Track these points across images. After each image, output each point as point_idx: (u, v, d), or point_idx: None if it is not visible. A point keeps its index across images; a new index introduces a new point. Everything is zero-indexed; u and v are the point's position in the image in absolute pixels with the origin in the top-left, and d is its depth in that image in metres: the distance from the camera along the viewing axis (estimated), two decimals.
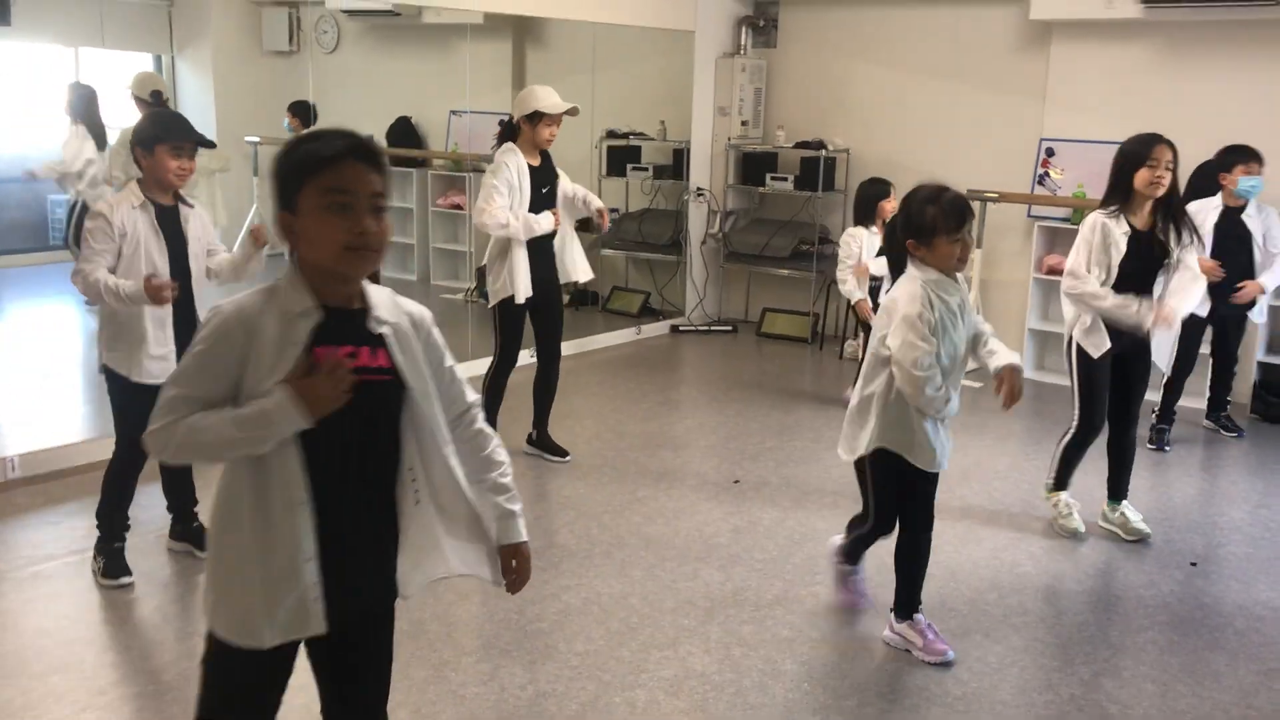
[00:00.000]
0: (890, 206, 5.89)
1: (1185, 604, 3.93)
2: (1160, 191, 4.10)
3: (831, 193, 7.90)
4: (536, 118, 4.85)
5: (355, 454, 1.96)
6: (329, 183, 1.85)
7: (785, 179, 8.05)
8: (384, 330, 1.96)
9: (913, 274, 3.27)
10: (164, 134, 3.63)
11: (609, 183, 8.56)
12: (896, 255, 3.35)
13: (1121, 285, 4.17)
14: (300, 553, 1.91)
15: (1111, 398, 4.35)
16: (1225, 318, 5.73)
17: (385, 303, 2.00)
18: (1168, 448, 5.69)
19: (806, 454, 5.37)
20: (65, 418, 5.60)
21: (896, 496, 3.45)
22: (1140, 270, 4.17)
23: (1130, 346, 4.29)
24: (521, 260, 4.88)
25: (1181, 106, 6.70)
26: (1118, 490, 4.53)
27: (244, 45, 7.72)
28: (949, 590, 3.98)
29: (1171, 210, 4.16)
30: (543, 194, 4.95)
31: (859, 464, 3.48)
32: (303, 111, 7.41)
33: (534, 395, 5.27)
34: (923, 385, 3.20)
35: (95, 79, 6.69)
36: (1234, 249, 5.57)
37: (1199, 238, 4.29)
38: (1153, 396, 5.76)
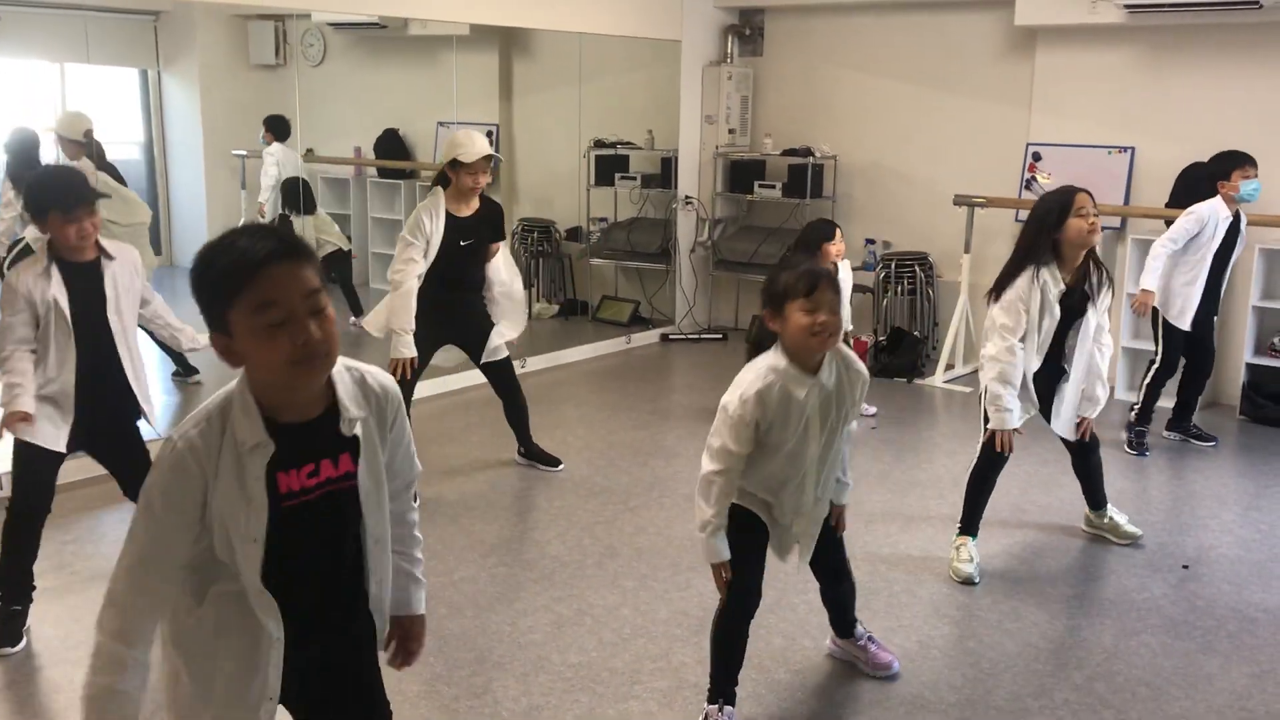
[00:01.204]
0: (835, 250, 5.80)
1: (1178, 607, 3.93)
2: (1097, 239, 3.98)
3: (819, 199, 7.92)
4: (456, 165, 4.66)
5: (324, 565, 1.91)
6: (257, 298, 1.66)
7: (773, 186, 8.06)
8: (357, 431, 1.86)
9: (759, 362, 2.88)
10: (51, 201, 3.38)
11: (597, 192, 8.57)
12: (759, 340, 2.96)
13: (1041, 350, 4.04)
14: (264, 690, 1.88)
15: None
16: (1197, 317, 5.62)
17: (353, 393, 1.87)
18: (1147, 453, 5.64)
19: None
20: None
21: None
22: (1059, 332, 4.06)
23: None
24: (405, 317, 4.65)
25: (1165, 110, 6.74)
26: (1096, 500, 4.51)
27: (230, 59, 7.70)
28: (941, 596, 3.97)
29: (1094, 258, 4.04)
30: (460, 247, 4.74)
31: None
32: (277, 126, 7.39)
33: (508, 421, 5.22)
34: (702, 491, 2.90)
35: (81, 95, 6.69)
36: (1225, 255, 5.59)
37: (1112, 284, 4.14)
38: (1128, 397, 5.80)
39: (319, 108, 7.74)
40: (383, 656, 2.13)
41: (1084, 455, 4.40)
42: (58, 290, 3.41)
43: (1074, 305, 4.04)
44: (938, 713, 3.21)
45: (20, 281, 3.38)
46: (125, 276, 3.56)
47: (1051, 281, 3.95)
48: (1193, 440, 5.86)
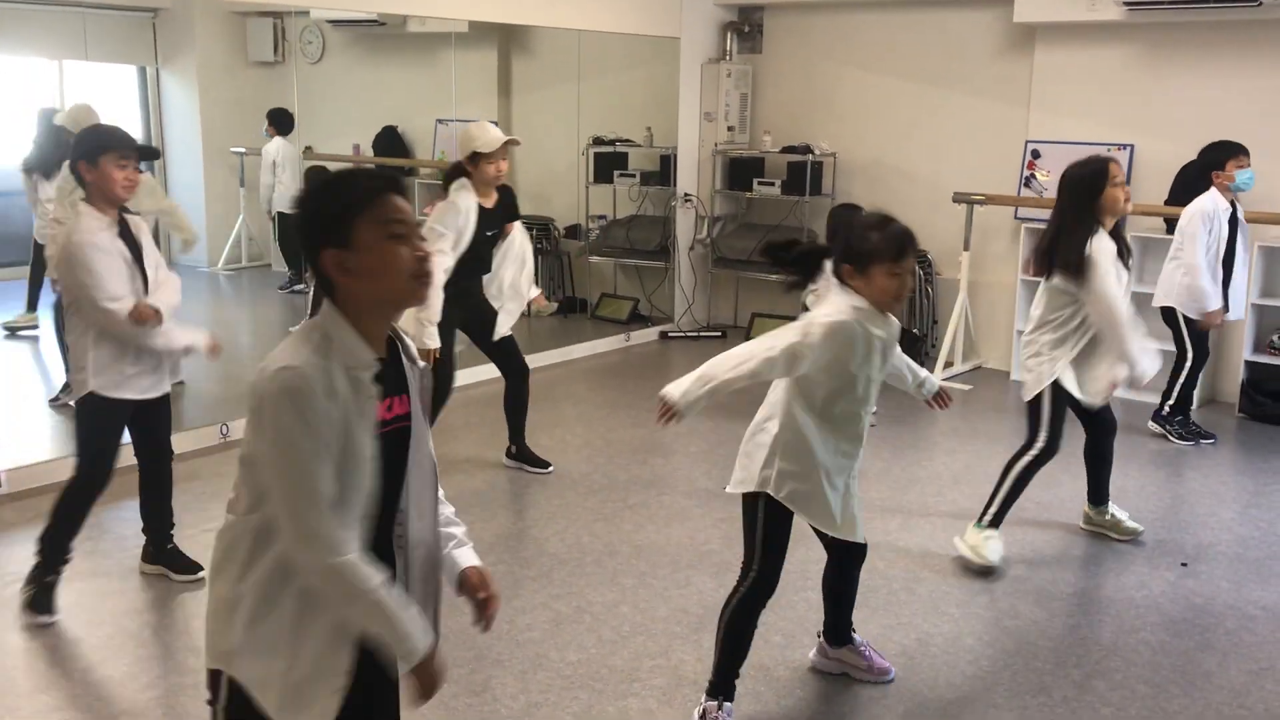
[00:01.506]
0: None
1: (1176, 604, 3.94)
2: (1130, 207, 4.00)
3: (819, 197, 7.91)
4: (477, 158, 4.68)
5: (377, 506, 1.92)
6: (385, 214, 1.85)
7: (772, 184, 8.05)
8: (419, 371, 1.97)
9: (840, 296, 2.93)
10: (108, 143, 3.52)
11: (596, 189, 8.56)
12: (804, 278, 3.00)
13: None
14: (343, 639, 1.89)
15: (1082, 408, 4.24)
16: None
17: (403, 336, 1.99)
18: (1208, 438, 5.71)
19: None
20: (53, 433, 5.58)
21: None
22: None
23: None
24: (437, 308, 4.64)
25: (1164, 107, 6.74)
26: (1099, 494, 4.51)
27: (229, 56, 7.70)
28: (940, 594, 3.98)
29: (1121, 231, 4.08)
30: (486, 237, 4.80)
31: (747, 500, 3.08)
32: (280, 120, 7.38)
33: (505, 411, 5.20)
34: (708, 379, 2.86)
35: (79, 92, 6.69)
36: (1234, 249, 5.60)
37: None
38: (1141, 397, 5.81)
39: (318, 105, 7.75)
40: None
41: (1100, 435, 4.38)
42: (118, 244, 3.56)
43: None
44: (936, 710, 3.22)
45: (100, 239, 3.49)
46: (144, 233, 3.71)
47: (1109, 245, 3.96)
48: (1176, 439, 5.82)
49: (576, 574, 4.08)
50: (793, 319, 6.09)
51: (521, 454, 5.23)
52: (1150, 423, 5.88)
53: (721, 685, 3.09)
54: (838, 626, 3.38)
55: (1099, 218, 3.98)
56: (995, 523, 4.17)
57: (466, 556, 2.12)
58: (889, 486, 5.09)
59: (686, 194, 8.31)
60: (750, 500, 3.04)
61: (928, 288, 7.58)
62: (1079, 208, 3.99)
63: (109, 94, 7.41)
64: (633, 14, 7.67)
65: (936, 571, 4.16)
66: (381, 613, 1.84)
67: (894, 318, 2.99)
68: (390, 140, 8.41)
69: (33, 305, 6.66)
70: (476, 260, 4.82)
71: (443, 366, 4.80)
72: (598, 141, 8.44)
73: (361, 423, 1.84)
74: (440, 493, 2.10)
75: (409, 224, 1.88)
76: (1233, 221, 5.58)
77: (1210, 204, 5.50)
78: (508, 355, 5.11)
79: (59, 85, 6.74)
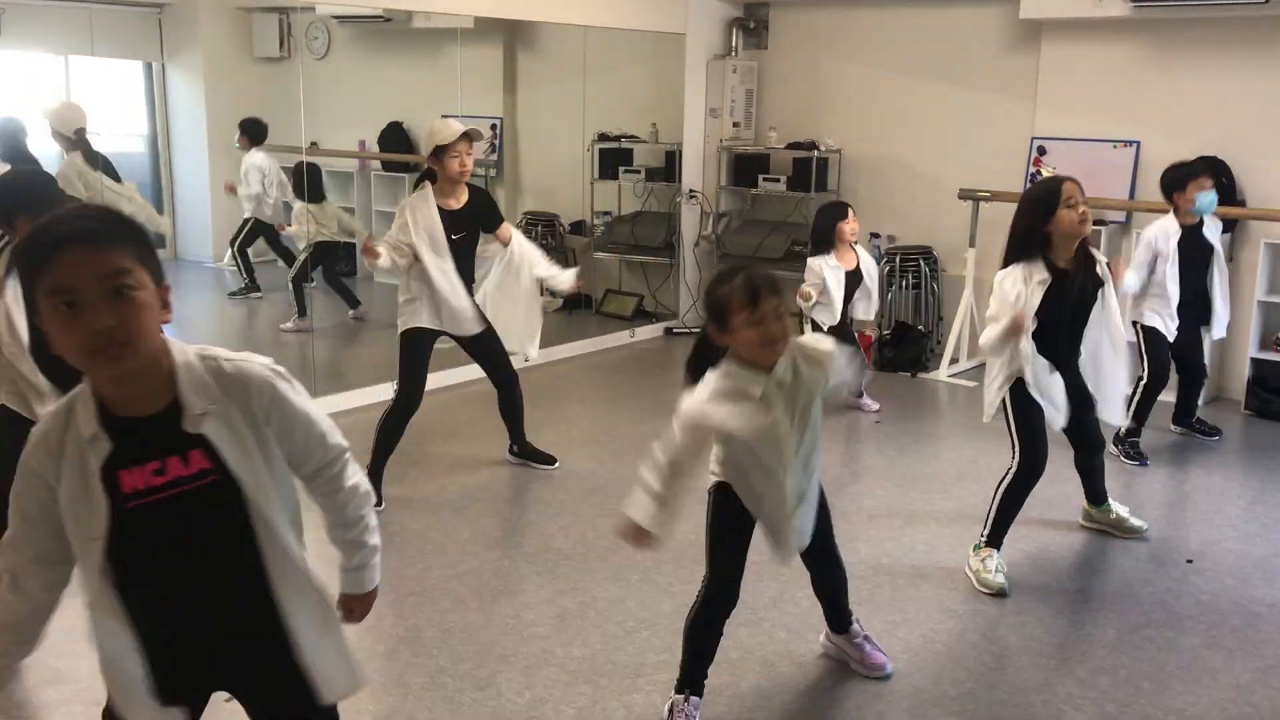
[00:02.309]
0: (850, 229, 5.85)
1: (1182, 601, 3.93)
2: (1088, 229, 3.89)
3: (824, 193, 7.89)
4: (440, 152, 4.54)
5: (188, 567, 1.80)
6: (50, 283, 1.59)
7: (777, 180, 8.05)
8: (204, 430, 1.73)
9: (709, 378, 2.82)
10: (20, 205, 3.20)
11: (601, 185, 8.56)
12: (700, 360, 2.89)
13: (1043, 339, 3.95)
14: (140, 689, 1.83)
15: (1071, 426, 4.16)
16: (1179, 335, 5.48)
17: (200, 384, 1.73)
18: (1148, 462, 5.41)
19: None
20: None
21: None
22: (1075, 324, 4.00)
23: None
24: (435, 294, 4.62)
25: (1170, 104, 6.72)
26: (1098, 496, 4.48)
27: (234, 52, 7.71)
28: (944, 591, 3.97)
29: (1085, 247, 3.99)
30: (451, 240, 4.64)
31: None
32: (253, 130, 7.33)
33: (501, 416, 5.15)
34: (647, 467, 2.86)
35: (85, 88, 6.69)
36: (1199, 267, 5.47)
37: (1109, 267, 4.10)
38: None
39: (323, 101, 7.74)
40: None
41: (1088, 454, 4.36)
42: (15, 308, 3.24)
43: (1077, 296, 3.96)
44: (940, 706, 3.22)
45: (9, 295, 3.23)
46: None
47: (1035, 273, 3.89)
48: (1197, 435, 5.84)
49: (581, 569, 4.08)
50: (797, 315, 6.04)
51: (525, 451, 5.22)
52: (1172, 425, 5.84)
53: (689, 679, 3.10)
54: (835, 618, 3.43)
55: (1051, 241, 3.88)
56: (991, 541, 4.07)
57: (355, 583, 2.10)
58: (893, 483, 5.08)
59: (691, 190, 8.30)
60: (708, 498, 3.04)
61: (933, 284, 7.57)
62: (1024, 230, 3.93)
63: (115, 89, 7.42)
64: (638, 10, 7.66)
65: (941, 568, 4.16)
66: None
67: (798, 351, 2.82)
68: (396, 136, 8.41)
69: None
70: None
71: (408, 382, 4.68)
72: (603, 137, 8.44)
73: (83, 495, 1.71)
74: (353, 509, 2.05)
75: (80, 289, 1.58)
76: (1195, 241, 5.42)
77: (1155, 231, 5.39)
78: (496, 365, 4.99)
79: (65, 81, 6.75)
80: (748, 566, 4.04)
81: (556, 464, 5.19)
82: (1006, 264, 3.99)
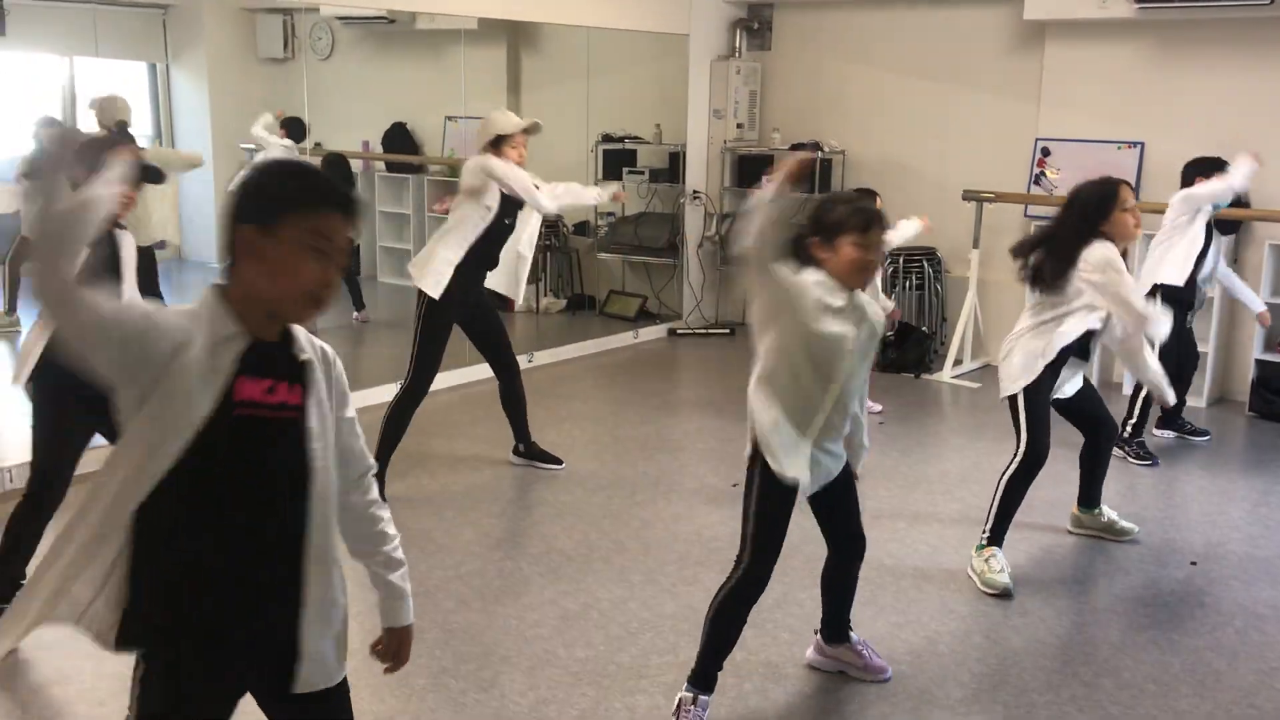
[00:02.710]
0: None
1: (1186, 603, 3.93)
2: (1140, 233, 3.89)
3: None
4: (500, 142, 4.70)
5: (260, 496, 1.84)
6: (318, 225, 1.80)
7: None
8: (307, 359, 1.88)
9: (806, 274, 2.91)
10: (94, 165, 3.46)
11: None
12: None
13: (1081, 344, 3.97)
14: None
15: (1079, 411, 4.21)
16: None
17: (304, 337, 1.92)
18: (1158, 461, 5.43)
19: None
20: None
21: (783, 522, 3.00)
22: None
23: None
24: (452, 262, 4.66)
25: (1175, 105, 6.72)
26: (1092, 496, 4.45)
27: (239, 53, 7.71)
28: (948, 592, 3.97)
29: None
30: (504, 225, 4.78)
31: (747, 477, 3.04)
32: (294, 128, 7.35)
33: (504, 410, 5.14)
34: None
35: (90, 89, 6.69)
36: (1203, 262, 5.46)
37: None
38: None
39: (327, 102, 7.75)
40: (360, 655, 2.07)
41: (1102, 438, 4.31)
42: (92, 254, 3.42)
43: None
44: (944, 708, 3.21)
45: None
46: (130, 254, 3.59)
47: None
48: (1188, 436, 5.82)
49: (584, 571, 4.08)
50: None
51: (530, 452, 5.20)
52: (1157, 430, 5.75)
53: (703, 675, 3.07)
54: (836, 623, 3.37)
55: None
56: (994, 540, 4.05)
57: (396, 614, 2.09)
58: (897, 485, 5.08)
59: (695, 191, 8.30)
60: (748, 474, 3.01)
61: (937, 285, 7.57)
62: (1078, 226, 3.89)
63: (119, 90, 7.43)
64: (642, 11, 7.67)
65: (945, 569, 4.15)
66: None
67: (867, 301, 2.95)
68: (400, 137, 8.42)
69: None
70: (489, 249, 4.77)
71: (425, 368, 4.71)
72: (607, 138, 8.44)
73: (204, 387, 1.74)
74: (387, 528, 2.05)
75: (334, 251, 1.82)
76: (1208, 234, 5.43)
77: (1199, 191, 5.38)
78: (498, 350, 5.02)
79: (69, 81, 6.76)
80: None
81: (563, 465, 5.17)
82: (1061, 256, 3.87)
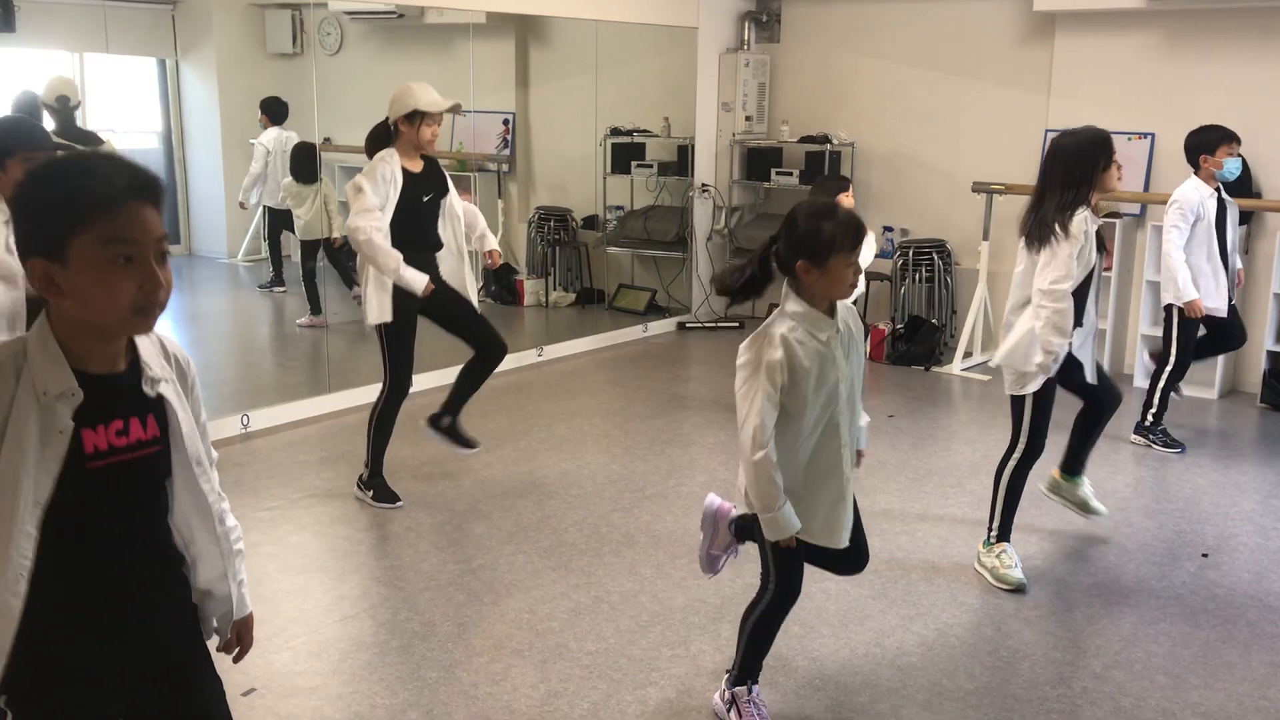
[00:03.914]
0: (848, 203, 5.76)
1: (1197, 595, 3.92)
2: (1120, 184, 3.88)
3: None
4: (415, 117, 4.40)
5: (129, 538, 1.75)
6: (111, 231, 1.56)
7: (790, 174, 8.04)
8: (161, 391, 1.73)
9: (782, 313, 2.81)
10: (13, 145, 3.25)
11: (613, 180, 8.56)
12: (757, 278, 2.84)
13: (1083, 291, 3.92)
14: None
15: (1079, 382, 4.11)
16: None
17: (153, 353, 1.75)
18: (1184, 448, 5.43)
19: None
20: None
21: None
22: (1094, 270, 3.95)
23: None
24: (385, 280, 4.38)
25: (1186, 96, 6.68)
26: (1077, 464, 4.36)
27: (247, 48, 7.73)
28: (959, 584, 3.97)
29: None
30: (423, 203, 4.49)
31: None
32: (274, 109, 7.32)
33: (460, 375, 4.78)
34: (761, 471, 2.75)
35: (100, 85, 6.71)
36: (1222, 229, 5.37)
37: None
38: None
39: (336, 96, 7.75)
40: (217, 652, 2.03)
41: (1105, 407, 4.23)
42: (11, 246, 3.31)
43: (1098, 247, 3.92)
44: (955, 701, 3.21)
45: None
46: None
47: (1092, 220, 3.85)
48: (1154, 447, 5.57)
49: (595, 564, 4.09)
50: None
51: (450, 428, 4.83)
52: (1132, 435, 5.60)
53: (749, 673, 3.07)
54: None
55: (1090, 193, 3.82)
56: (1002, 535, 4.03)
57: (239, 603, 1.97)
58: (907, 478, 5.08)
59: (704, 184, 8.30)
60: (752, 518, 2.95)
61: (947, 278, 7.55)
62: (1078, 177, 3.81)
63: (129, 86, 7.45)
64: (650, 4, 7.66)
65: (955, 562, 4.15)
66: None
67: (841, 305, 2.87)
68: None
69: None
70: (417, 230, 4.52)
71: (400, 366, 4.56)
72: (615, 132, 8.43)
73: (37, 458, 1.60)
74: (227, 519, 1.92)
75: (144, 244, 1.58)
76: (1221, 207, 5.34)
77: (1192, 192, 5.28)
78: (472, 329, 4.73)
79: (79, 78, 6.78)
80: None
81: (478, 448, 4.91)
82: (1068, 212, 3.79)
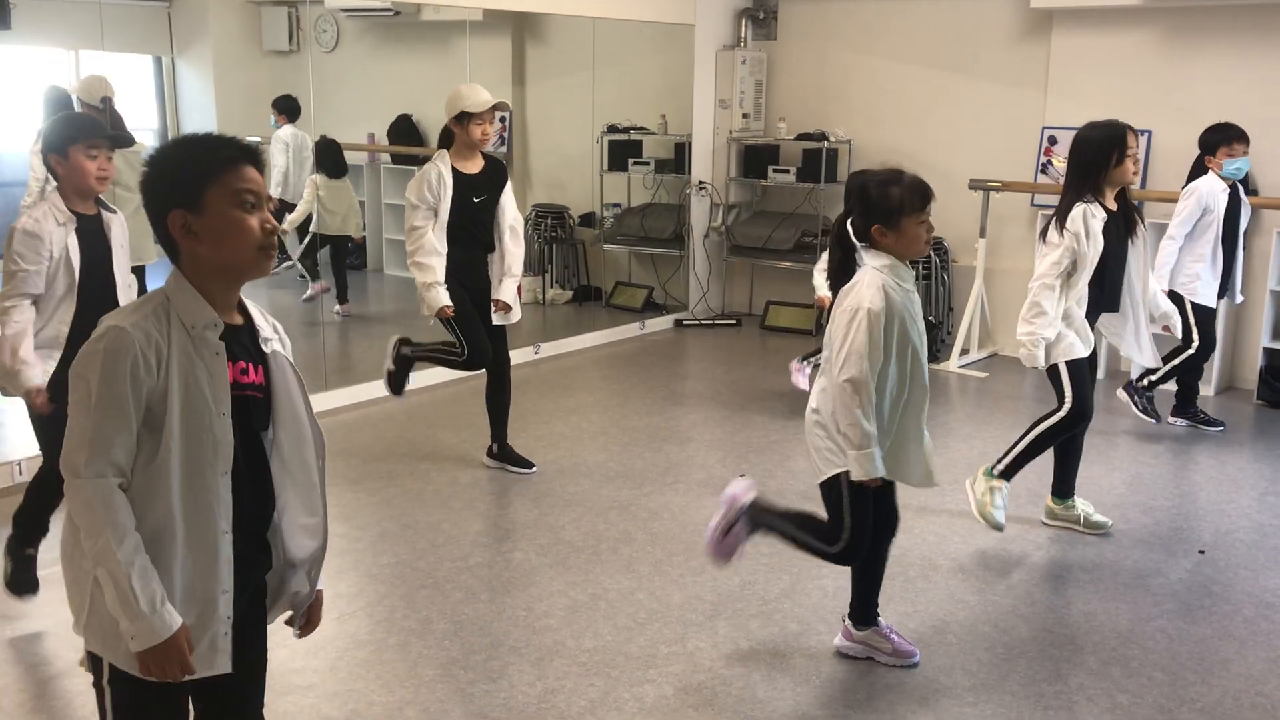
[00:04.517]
0: None
1: (1194, 592, 3.92)
2: (1137, 178, 4.09)
3: (834, 184, 7.88)
4: (464, 118, 4.62)
5: (244, 477, 1.93)
6: (238, 182, 1.87)
7: (787, 171, 8.03)
8: (274, 348, 1.99)
9: (869, 265, 3.06)
10: (75, 134, 3.35)
11: (610, 177, 8.55)
12: (845, 253, 3.10)
13: (1103, 280, 4.12)
14: (218, 584, 1.89)
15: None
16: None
17: (261, 319, 2.01)
18: (1160, 419, 5.66)
19: None
20: None
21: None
22: (1116, 266, 4.14)
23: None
24: (440, 266, 4.64)
25: (1183, 93, 6.69)
26: (1065, 486, 4.44)
27: (244, 45, 7.71)
28: (956, 581, 3.97)
29: (1128, 199, 4.19)
30: (474, 204, 4.66)
31: (828, 482, 3.17)
32: (288, 108, 7.37)
33: (487, 406, 5.04)
34: (859, 408, 2.98)
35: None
36: (1231, 231, 5.50)
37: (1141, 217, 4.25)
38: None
39: (332, 94, 7.75)
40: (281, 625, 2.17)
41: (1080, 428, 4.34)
42: (72, 241, 3.39)
43: (1120, 237, 4.11)
44: (953, 697, 3.22)
45: (44, 230, 3.33)
46: (120, 234, 3.55)
47: (1095, 212, 4.04)
48: (1200, 426, 5.80)
49: (592, 561, 4.09)
50: (808, 306, 6.08)
51: (503, 453, 5.05)
52: (1171, 419, 5.78)
53: (862, 612, 3.36)
54: (865, 606, 3.40)
55: (1100, 187, 4.06)
56: (1006, 475, 4.21)
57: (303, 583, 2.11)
58: None
59: (701, 182, 8.29)
60: (831, 480, 3.15)
61: (944, 275, 7.55)
62: (1087, 172, 4.06)
63: (125, 84, 7.43)
64: (647, 1, 7.65)
65: (953, 558, 4.15)
66: (112, 563, 1.76)
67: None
68: (405, 128, 8.41)
69: None
70: (468, 231, 4.68)
71: (471, 341, 4.73)
72: (612, 129, 8.43)
73: (208, 377, 1.85)
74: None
75: (260, 195, 1.90)
76: (1234, 201, 5.47)
77: (1206, 186, 5.44)
78: (492, 340, 4.88)
79: (75, 75, 6.76)
80: (759, 558, 4.05)
81: (535, 469, 5.03)
82: (1067, 206, 4.06)
